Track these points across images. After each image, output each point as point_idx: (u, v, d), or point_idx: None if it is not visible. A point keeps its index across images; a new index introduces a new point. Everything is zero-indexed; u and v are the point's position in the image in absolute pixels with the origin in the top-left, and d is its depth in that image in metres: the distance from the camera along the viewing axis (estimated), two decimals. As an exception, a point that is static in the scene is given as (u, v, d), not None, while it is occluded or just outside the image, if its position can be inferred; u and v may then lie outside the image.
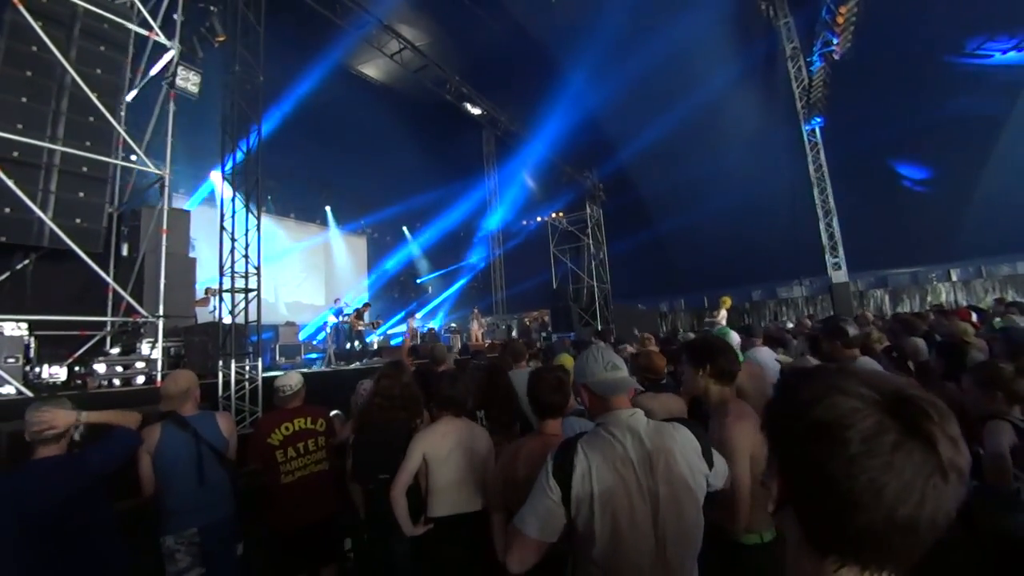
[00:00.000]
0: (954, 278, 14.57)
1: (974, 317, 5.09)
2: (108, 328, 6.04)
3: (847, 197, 13.90)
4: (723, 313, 10.89)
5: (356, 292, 17.85)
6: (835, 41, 12.20)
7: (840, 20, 11.55)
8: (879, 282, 15.59)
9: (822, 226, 13.85)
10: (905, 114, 13.47)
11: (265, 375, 5.78)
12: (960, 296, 13.98)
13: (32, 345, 5.13)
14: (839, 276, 13.77)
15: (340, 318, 11.03)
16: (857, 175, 14.08)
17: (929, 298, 14.33)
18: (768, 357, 3.87)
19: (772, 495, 0.64)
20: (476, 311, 15.38)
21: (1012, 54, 12.80)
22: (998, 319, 4.28)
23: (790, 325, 8.97)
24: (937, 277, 14.81)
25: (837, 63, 12.82)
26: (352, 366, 8.42)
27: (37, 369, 5.14)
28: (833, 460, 0.54)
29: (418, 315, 18.21)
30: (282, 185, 15.55)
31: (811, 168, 14.05)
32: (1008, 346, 3.32)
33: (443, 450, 2.42)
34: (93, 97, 5.39)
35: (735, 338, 3.91)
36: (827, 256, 13.79)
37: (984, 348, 4.12)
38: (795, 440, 0.60)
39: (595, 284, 15.41)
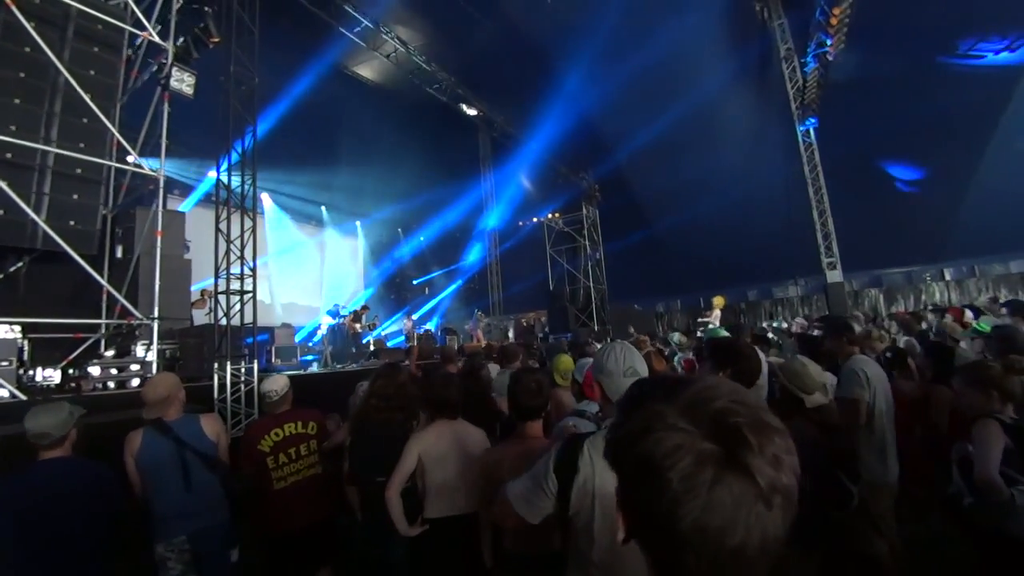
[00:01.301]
0: (947, 277, 14.65)
1: (968, 315, 5.12)
2: (102, 331, 6.02)
3: (841, 197, 13.95)
4: (716, 313, 10.95)
5: (352, 293, 17.82)
6: (829, 42, 12.25)
7: (834, 21, 11.60)
8: (874, 282, 15.67)
9: (817, 226, 13.90)
10: (899, 115, 13.54)
11: (261, 376, 5.76)
12: (954, 295, 14.06)
13: (26, 348, 5.10)
14: (834, 276, 13.81)
15: (337, 319, 11.01)
16: (851, 175, 14.15)
17: (923, 297, 14.42)
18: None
19: (620, 524, 0.62)
20: (479, 313, 15.35)
21: (1004, 55, 12.89)
22: (977, 322, 4.32)
23: (772, 326, 9.07)
24: (931, 276, 14.90)
25: (831, 64, 12.88)
26: (349, 368, 8.40)
27: (31, 372, 5.12)
28: (657, 502, 0.52)
29: (414, 316, 18.18)
30: (278, 186, 15.52)
31: (806, 168, 14.09)
32: (1001, 344, 3.35)
33: (438, 452, 2.42)
34: (87, 98, 5.37)
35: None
36: (822, 256, 13.84)
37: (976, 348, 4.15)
38: (625, 476, 0.58)
39: (591, 285, 15.44)
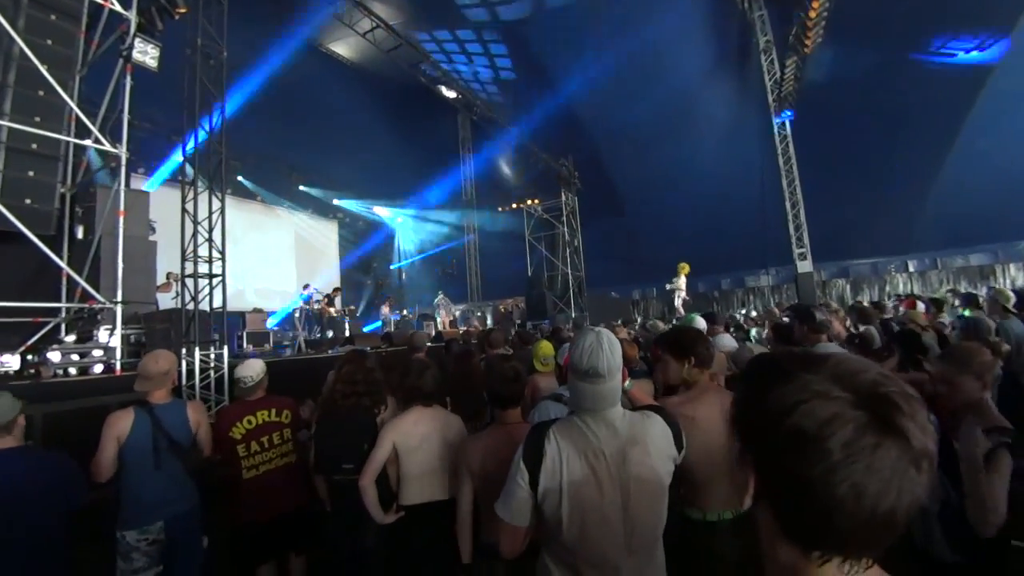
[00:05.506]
0: (911, 269, 15.21)
1: (920, 306, 5.31)
2: (63, 315, 5.78)
3: (813, 189, 14.25)
4: (682, 279, 11.17)
5: (327, 278, 17.52)
6: (807, 36, 12.39)
7: (812, 15, 11.72)
8: (841, 272, 16.16)
9: (789, 217, 14.17)
10: (871, 110, 13.87)
11: (233, 363, 5.63)
12: (916, 286, 14.60)
13: (-20, 332, 4.88)
14: (804, 266, 14.14)
15: (310, 304, 10.82)
16: (823, 168, 14.44)
17: (888, 288, 14.93)
18: (730, 342, 3.97)
19: (747, 488, 0.64)
20: (442, 296, 15.14)
21: (975, 54, 13.26)
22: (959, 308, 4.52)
23: (752, 313, 9.32)
24: (895, 268, 15.44)
25: (808, 58, 13.04)
26: (325, 354, 8.27)
27: (-14, 357, 4.90)
28: (814, 469, 0.54)
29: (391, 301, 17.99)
30: (249, 166, 15.07)
31: (780, 160, 14.32)
32: (966, 334, 3.49)
33: (414, 439, 2.40)
34: (43, 69, 5.07)
35: (701, 323, 3.98)
36: (793, 246, 14.13)
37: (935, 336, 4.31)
38: (772, 448, 0.59)
39: (569, 272, 15.51)
